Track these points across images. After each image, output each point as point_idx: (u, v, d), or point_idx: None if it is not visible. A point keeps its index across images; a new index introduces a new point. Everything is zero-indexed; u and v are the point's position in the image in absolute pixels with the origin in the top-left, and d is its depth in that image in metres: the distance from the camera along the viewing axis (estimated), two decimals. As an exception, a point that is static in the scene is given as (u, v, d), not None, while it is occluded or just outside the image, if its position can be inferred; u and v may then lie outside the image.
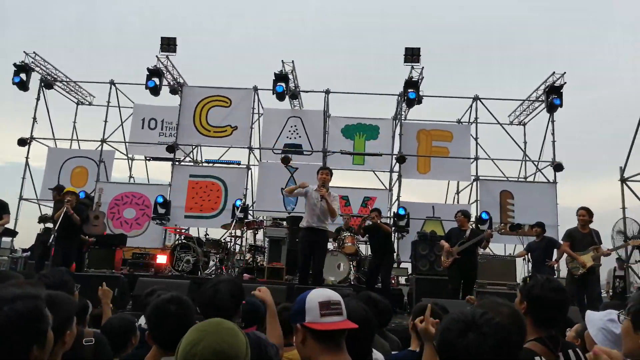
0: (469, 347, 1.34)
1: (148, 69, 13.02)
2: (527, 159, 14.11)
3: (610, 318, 2.39)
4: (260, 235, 10.56)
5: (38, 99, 13.80)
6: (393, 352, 3.10)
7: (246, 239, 10.34)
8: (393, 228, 12.23)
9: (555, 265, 8.85)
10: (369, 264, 8.39)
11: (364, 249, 10.14)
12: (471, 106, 13.79)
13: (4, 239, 8.62)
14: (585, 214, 7.38)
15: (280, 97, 12.66)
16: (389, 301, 3.57)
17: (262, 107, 14.11)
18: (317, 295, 1.85)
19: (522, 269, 10.09)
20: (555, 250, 8.55)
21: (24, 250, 9.91)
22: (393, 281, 10.63)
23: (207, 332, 1.44)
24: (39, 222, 8.59)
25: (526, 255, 9.41)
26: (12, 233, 9.03)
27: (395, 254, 9.09)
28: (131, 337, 3.00)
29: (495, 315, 1.99)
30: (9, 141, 13.84)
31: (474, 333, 1.35)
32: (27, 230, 13.29)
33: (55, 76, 14.25)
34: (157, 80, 13.00)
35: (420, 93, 12.73)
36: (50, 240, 7.46)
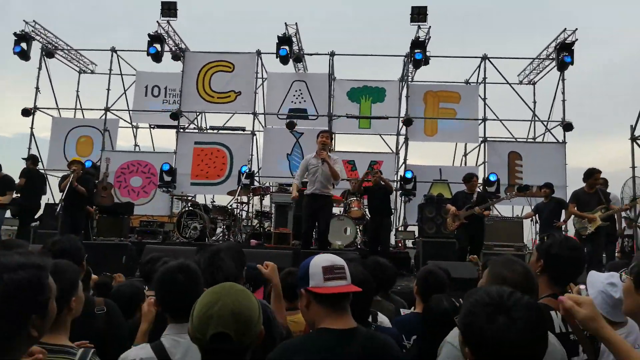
0: (499, 332, 1.27)
1: (149, 35, 12.79)
2: (536, 119, 13.85)
3: (611, 282, 2.39)
4: (266, 201, 10.59)
5: (40, 68, 13.66)
6: (399, 316, 3.14)
7: (252, 205, 10.37)
8: (400, 192, 12.21)
9: (563, 226, 8.81)
10: (369, 225, 8.33)
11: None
12: (479, 66, 13.46)
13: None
14: (599, 178, 7.31)
15: (284, 60, 12.43)
16: (391, 263, 3.62)
17: (266, 72, 13.91)
18: (320, 260, 1.86)
19: (530, 230, 10.06)
20: (563, 211, 8.49)
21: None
22: (400, 244, 10.68)
23: (222, 294, 1.47)
24: None
25: (534, 217, 9.35)
26: (20, 203, 9.12)
27: (392, 215, 9.03)
28: (140, 303, 3.03)
29: (509, 279, 1.96)
30: (13, 112, 13.78)
31: (503, 317, 1.29)
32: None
33: (56, 44, 14.07)
34: (158, 46, 12.80)
35: (427, 53, 12.43)
36: (58, 210, 7.53)
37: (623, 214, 9.04)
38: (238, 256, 2.51)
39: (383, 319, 2.78)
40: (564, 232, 9.40)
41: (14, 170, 9.25)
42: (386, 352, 1.83)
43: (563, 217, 8.48)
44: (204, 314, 1.42)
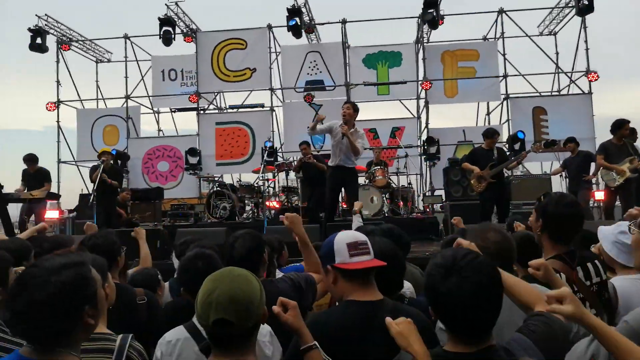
0: (450, 291, 1.38)
1: (159, 19, 12.79)
2: (559, 71, 13.45)
3: (621, 230, 2.41)
4: (292, 175, 10.65)
5: (58, 61, 13.84)
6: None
7: (278, 181, 10.46)
8: (424, 156, 12.14)
9: (594, 179, 8.66)
10: (306, 195, 9.09)
11: (396, 180, 10.09)
12: (496, 20, 13.08)
13: (49, 202, 8.96)
14: (629, 128, 7.15)
15: (296, 32, 12.26)
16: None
17: (279, 45, 13.79)
18: (344, 237, 1.92)
19: (560, 186, 9.89)
20: (592, 164, 8.33)
21: (69, 211, 10.34)
22: (427, 209, 10.69)
23: (220, 280, 1.51)
24: None
25: (563, 172, 9.20)
26: (56, 196, 9.41)
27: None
28: (156, 289, 3.15)
29: (480, 248, 1.99)
30: (40, 106, 13.98)
31: (455, 276, 1.40)
32: (69, 192, 13.84)
33: (70, 36, 14.17)
34: (170, 29, 12.79)
35: (441, 12, 12.08)
36: (91, 200, 7.73)
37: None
38: (253, 243, 2.50)
39: (408, 286, 2.79)
40: (594, 185, 9.27)
41: (48, 162, 9.50)
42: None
43: (592, 170, 8.33)
44: (204, 301, 1.47)
